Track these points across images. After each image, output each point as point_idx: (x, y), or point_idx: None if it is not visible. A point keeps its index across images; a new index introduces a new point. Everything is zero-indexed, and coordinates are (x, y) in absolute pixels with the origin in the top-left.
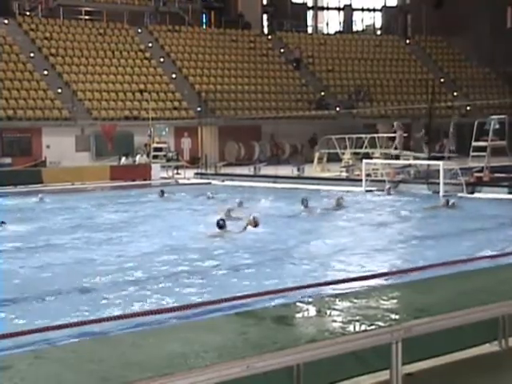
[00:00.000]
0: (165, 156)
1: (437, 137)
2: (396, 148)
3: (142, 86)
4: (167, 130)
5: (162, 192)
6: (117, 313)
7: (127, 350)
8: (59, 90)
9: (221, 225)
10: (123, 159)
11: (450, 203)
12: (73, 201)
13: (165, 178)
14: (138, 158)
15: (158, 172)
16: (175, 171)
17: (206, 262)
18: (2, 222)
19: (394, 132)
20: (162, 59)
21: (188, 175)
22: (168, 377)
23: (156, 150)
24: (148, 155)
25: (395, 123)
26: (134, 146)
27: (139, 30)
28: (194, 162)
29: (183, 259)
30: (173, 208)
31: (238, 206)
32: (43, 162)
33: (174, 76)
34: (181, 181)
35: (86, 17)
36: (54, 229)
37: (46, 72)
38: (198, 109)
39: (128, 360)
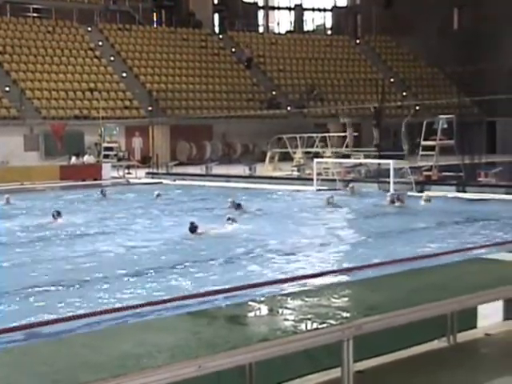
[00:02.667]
0: (115, 155)
1: (387, 136)
2: (347, 146)
3: (92, 85)
4: (118, 129)
5: (103, 192)
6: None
7: (79, 351)
8: (7, 89)
9: (192, 229)
10: (73, 159)
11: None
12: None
13: (116, 178)
14: (86, 157)
15: (108, 172)
16: (126, 171)
17: (164, 262)
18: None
19: (345, 125)
20: (112, 58)
21: (139, 175)
22: (121, 377)
23: (107, 149)
24: (98, 155)
25: (346, 120)
26: (84, 146)
27: (89, 29)
28: (145, 161)
29: (137, 259)
30: (118, 209)
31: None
32: None
33: (124, 75)
34: (132, 180)
35: (35, 14)
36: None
37: None
38: (149, 108)
39: (80, 361)
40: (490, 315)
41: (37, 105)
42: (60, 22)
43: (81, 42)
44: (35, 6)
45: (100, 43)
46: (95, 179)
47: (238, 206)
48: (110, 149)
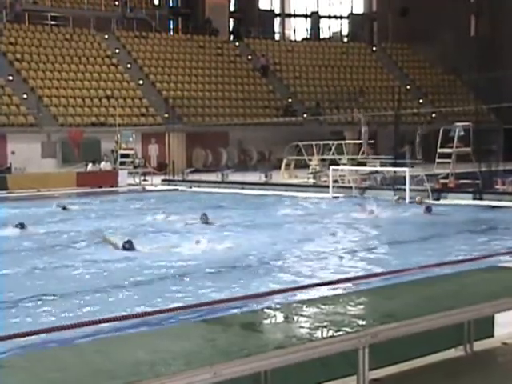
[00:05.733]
0: (132, 162)
1: (402, 143)
2: (363, 153)
3: (108, 92)
4: (134, 136)
5: (63, 206)
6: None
7: (93, 357)
8: (24, 96)
9: (127, 248)
10: (90, 166)
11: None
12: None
13: (132, 185)
14: (102, 164)
15: (124, 179)
16: (142, 178)
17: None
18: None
19: (360, 132)
20: (129, 65)
21: (155, 182)
22: None
23: (123, 156)
24: (115, 162)
25: (361, 117)
26: (100, 153)
27: (106, 36)
28: (161, 168)
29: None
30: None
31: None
32: (8, 169)
33: (141, 82)
34: (148, 187)
35: (52, 22)
36: None
37: (10, 77)
38: (166, 115)
39: (94, 368)
40: (507, 324)
41: (54, 112)
42: (77, 29)
43: (98, 50)
44: (53, 14)
45: (117, 51)
46: (111, 186)
47: (205, 219)
48: (127, 156)
